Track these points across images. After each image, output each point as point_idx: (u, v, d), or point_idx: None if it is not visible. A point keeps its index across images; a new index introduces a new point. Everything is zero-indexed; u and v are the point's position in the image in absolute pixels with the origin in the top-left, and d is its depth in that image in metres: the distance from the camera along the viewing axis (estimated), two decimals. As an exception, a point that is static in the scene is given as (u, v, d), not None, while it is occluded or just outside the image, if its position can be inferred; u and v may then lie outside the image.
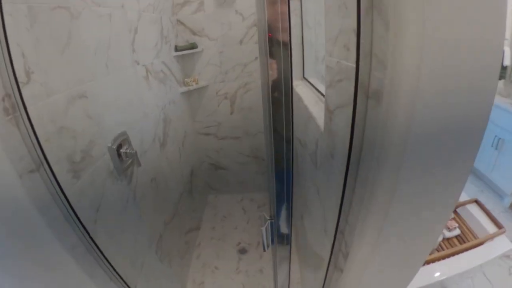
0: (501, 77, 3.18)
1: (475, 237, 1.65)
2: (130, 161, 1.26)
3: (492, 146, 3.06)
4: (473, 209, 1.83)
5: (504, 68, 3.11)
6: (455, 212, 1.82)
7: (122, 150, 1.22)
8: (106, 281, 0.99)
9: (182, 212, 2.09)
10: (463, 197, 1.89)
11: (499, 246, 1.58)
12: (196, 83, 2.35)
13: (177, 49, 2.19)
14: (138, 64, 1.55)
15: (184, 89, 2.29)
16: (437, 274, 1.46)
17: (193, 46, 2.25)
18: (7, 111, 0.71)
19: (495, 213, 2.84)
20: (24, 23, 0.79)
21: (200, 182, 2.71)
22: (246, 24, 2.23)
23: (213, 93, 2.53)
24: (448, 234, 1.66)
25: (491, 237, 1.58)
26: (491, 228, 1.65)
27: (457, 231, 1.68)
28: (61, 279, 0.83)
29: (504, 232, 1.60)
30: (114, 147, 1.18)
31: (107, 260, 0.95)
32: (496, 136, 2.99)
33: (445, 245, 1.66)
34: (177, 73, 2.23)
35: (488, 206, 2.90)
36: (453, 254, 1.53)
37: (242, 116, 2.63)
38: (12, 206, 0.70)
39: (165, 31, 2.01)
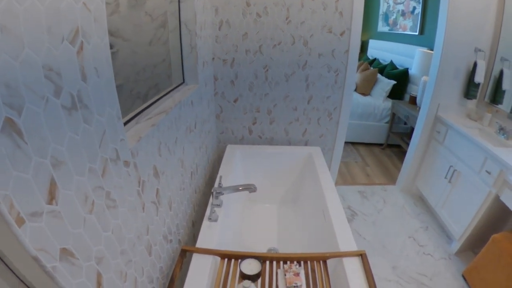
0: (471, 96, 2.90)
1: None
2: None
3: (445, 177, 2.87)
4: (353, 266, 1.58)
5: (475, 85, 2.84)
6: (318, 262, 1.63)
7: None
8: None
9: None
10: (350, 246, 1.69)
11: None
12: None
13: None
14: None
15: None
16: None
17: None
18: None
19: (435, 258, 2.85)
20: None
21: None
22: (154, 25, 2.38)
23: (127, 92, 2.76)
24: None
25: None
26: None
27: None
28: None
29: None
30: None
31: None
32: (451, 166, 2.79)
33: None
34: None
35: (429, 249, 2.93)
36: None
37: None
38: None
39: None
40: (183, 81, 2.37)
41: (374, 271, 2.53)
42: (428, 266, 2.74)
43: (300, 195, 2.87)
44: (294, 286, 1.49)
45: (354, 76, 2.84)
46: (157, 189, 1.45)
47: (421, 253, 2.89)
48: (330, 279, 1.57)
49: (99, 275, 0.94)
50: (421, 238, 3.07)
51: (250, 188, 1.94)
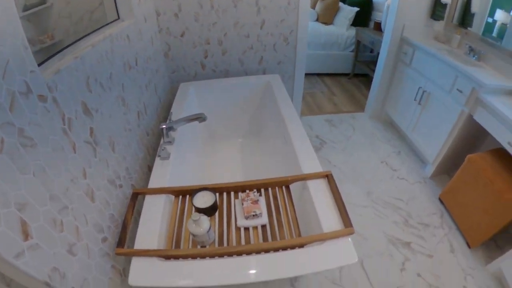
0: (438, 16, 2.82)
1: (295, 233, 1.40)
2: None
3: (415, 100, 2.87)
4: (318, 187, 1.52)
5: (442, 5, 2.76)
6: (280, 188, 1.58)
7: None
8: None
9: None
10: (315, 168, 1.62)
11: (334, 253, 1.26)
12: (51, 39, 2.38)
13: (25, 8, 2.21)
14: None
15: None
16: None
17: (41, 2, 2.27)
18: None
19: (410, 182, 2.87)
20: None
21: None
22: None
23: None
24: (242, 223, 1.42)
25: (320, 238, 1.29)
26: (333, 222, 1.37)
27: (261, 220, 1.43)
28: None
29: (350, 233, 1.30)
30: None
31: None
32: (420, 88, 2.77)
33: (238, 236, 1.42)
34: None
35: (403, 173, 2.95)
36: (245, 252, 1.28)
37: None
38: None
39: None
40: (118, 18, 2.20)
41: (348, 198, 2.57)
42: (403, 191, 2.78)
43: (263, 126, 2.81)
44: (253, 215, 1.43)
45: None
46: (91, 128, 1.33)
47: (395, 177, 2.92)
48: (295, 205, 1.52)
49: (24, 224, 0.84)
50: (394, 162, 3.10)
51: (200, 117, 1.86)
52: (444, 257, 2.28)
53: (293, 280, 1.94)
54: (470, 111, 2.35)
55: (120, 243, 1.33)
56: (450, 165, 2.76)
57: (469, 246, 2.34)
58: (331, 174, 1.56)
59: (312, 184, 1.54)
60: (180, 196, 1.58)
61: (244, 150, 2.79)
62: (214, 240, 1.40)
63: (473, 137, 2.65)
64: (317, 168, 1.64)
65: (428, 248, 2.31)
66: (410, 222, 2.48)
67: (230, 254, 1.27)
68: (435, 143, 2.75)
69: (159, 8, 2.58)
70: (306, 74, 4.61)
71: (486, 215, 2.16)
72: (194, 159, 2.32)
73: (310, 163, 1.68)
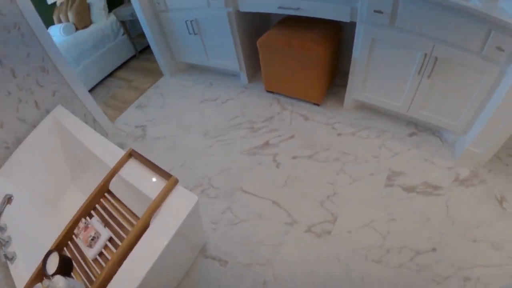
0: None
1: (135, 221, 1.43)
2: None
3: (190, 33, 3.00)
4: (129, 168, 1.56)
5: None
6: (103, 197, 1.59)
7: None
8: None
9: None
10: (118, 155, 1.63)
11: (176, 207, 1.35)
12: None
13: None
14: None
15: None
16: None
17: None
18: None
19: (235, 97, 2.93)
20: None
21: None
22: None
23: None
24: (92, 253, 1.41)
25: (153, 208, 1.33)
26: (156, 185, 1.42)
27: (104, 236, 1.43)
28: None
29: (175, 183, 1.38)
30: None
31: None
32: (187, 20, 2.89)
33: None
34: None
35: (225, 96, 3.02)
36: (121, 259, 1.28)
37: None
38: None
39: None
40: None
41: (191, 152, 2.51)
42: (233, 108, 2.91)
43: (81, 167, 2.55)
44: (91, 240, 1.42)
45: (37, 18, 2.46)
46: None
47: (219, 104, 3.03)
48: (125, 200, 1.53)
49: None
50: (211, 94, 3.20)
51: (8, 198, 1.71)
52: (303, 128, 2.46)
53: (202, 251, 1.90)
54: (234, 8, 2.54)
55: None
56: (257, 60, 2.84)
57: (317, 105, 2.57)
58: (132, 150, 1.59)
59: (123, 170, 1.55)
60: (44, 278, 1.48)
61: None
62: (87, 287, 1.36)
63: (258, 26, 2.86)
64: (120, 154, 1.64)
65: (285, 133, 2.48)
66: (256, 126, 2.63)
67: (103, 286, 1.23)
68: (230, 53, 2.92)
69: None
70: (98, 83, 4.33)
71: (307, 73, 2.38)
72: (47, 236, 2.09)
73: (113, 156, 1.66)
